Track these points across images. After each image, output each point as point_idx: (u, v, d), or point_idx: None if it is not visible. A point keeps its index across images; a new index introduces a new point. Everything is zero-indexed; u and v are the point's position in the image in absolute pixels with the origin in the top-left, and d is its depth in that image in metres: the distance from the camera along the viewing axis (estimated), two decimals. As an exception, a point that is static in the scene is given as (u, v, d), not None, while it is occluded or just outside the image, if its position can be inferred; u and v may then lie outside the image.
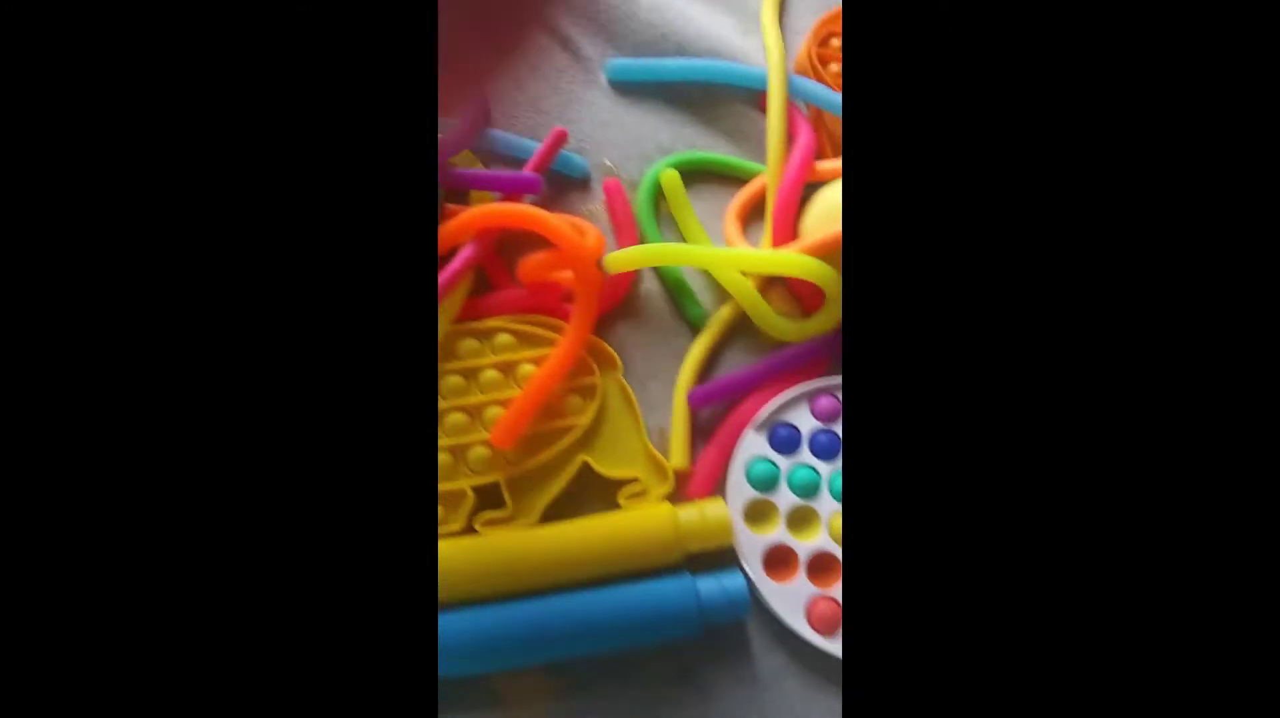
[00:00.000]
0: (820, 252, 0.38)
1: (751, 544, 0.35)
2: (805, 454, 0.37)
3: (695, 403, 0.39)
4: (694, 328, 0.41)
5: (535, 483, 0.37)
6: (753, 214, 0.44)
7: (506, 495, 0.36)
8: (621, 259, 0.40)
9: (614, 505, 0.37)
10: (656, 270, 0.43)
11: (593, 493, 0.37)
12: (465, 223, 0.39)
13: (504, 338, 0.40)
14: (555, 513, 0.37)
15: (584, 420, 0.38)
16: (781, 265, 0.38)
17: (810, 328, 0.39)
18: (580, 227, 0.42)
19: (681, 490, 0.37)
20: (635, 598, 0.33)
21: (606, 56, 0.52)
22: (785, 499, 0.36)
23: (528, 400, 0.36)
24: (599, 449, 0.38)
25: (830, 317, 0.39)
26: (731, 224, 0.43)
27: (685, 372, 0.39)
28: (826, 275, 0.38)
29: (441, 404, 0.38)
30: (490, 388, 0.39)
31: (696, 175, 0.46)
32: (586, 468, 0.37)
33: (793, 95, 0.47)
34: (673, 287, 0.42)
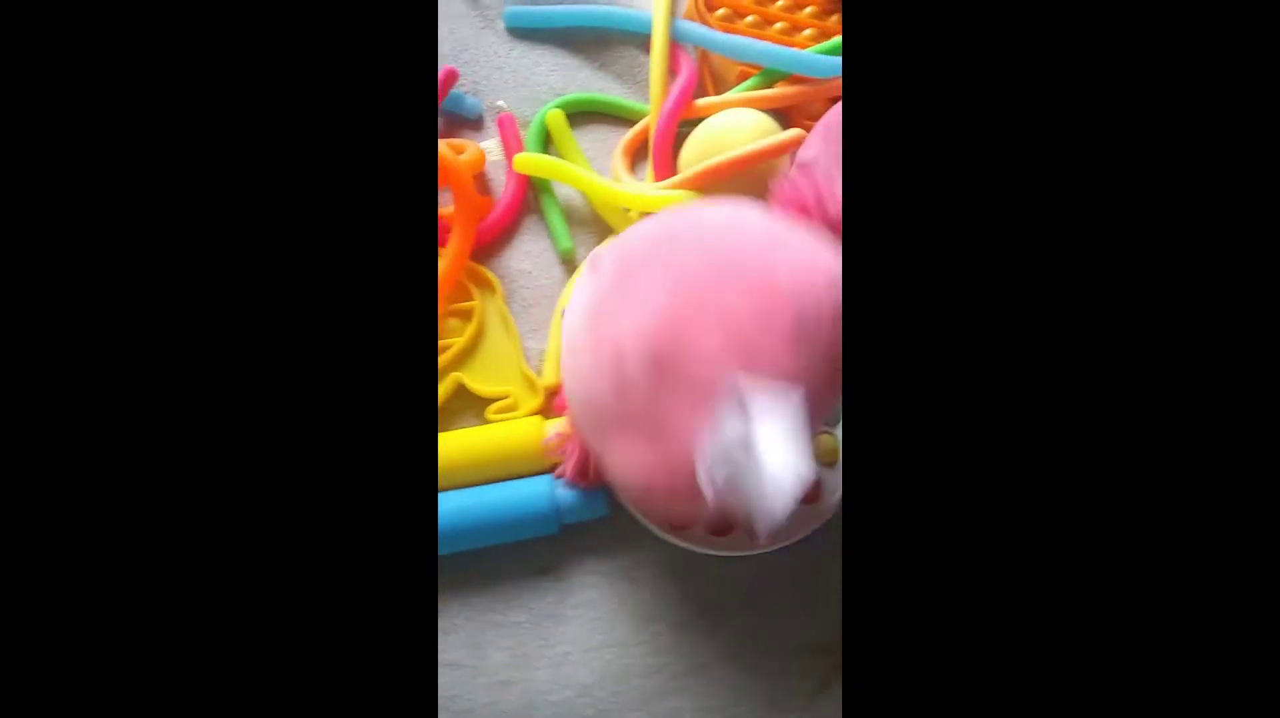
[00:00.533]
0: (695, 185, 0.40)
1: (616, 453, 0.37)
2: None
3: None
4: (564, 261, 0.43)
5: (412, 398, 0.39)
6: (640, 152, 0.46)
7: (383, 409, 0.38)
8: (529, 162, 0.42)
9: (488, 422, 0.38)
10: (539, 204, 0.44)
11: (472, 411, 0.39)
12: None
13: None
14: (432, 427, 0.38)
15: (460, 341, 0.39)
16: (660, 204, 0.40)
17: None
18: (457, 145, 0.43)
19: (554, 406, 0.38)
20: (495, 499, 0.35)
21: (504, 3, 0.53)
22: (651, 412, 0.38)
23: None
24: (475, 369, 0.39)
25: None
26: (619, 161, 0.44)
27: (566, 294, 0.41)
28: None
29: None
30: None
31: (588, 116, 0.48)
32: (464, 387, 0.39)
33: (680, 38, 0.48)
34: (548, 222, 0.44)
